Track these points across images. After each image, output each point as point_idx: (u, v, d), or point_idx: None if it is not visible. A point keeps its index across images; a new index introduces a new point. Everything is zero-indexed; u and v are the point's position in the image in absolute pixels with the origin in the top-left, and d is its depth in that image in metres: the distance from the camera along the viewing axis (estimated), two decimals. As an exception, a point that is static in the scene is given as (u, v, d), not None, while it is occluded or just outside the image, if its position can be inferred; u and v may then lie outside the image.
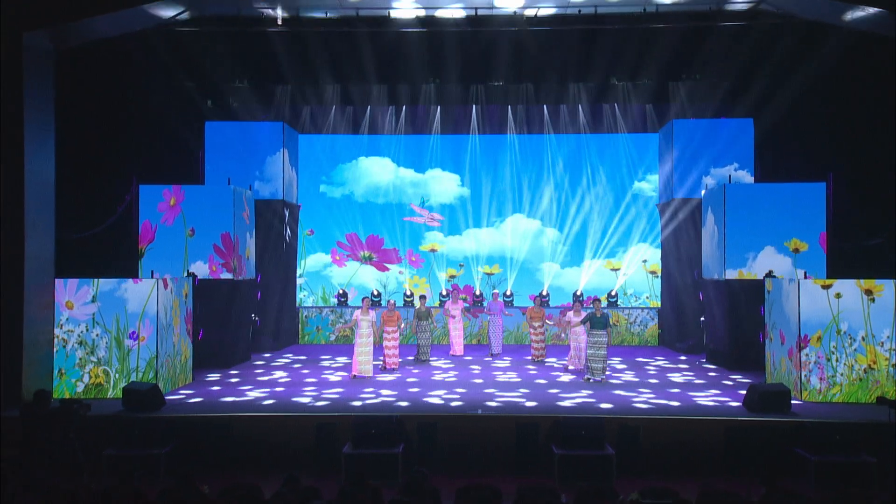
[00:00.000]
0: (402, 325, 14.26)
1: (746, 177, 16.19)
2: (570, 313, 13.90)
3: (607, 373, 13.05)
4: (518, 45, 15.25)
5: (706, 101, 16.82)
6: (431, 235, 18.74)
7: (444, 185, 18.84)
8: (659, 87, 16.93)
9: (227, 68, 16.20)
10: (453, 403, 10.89)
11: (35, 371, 11.08)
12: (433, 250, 18.69)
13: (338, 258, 18.70)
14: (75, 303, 11.51)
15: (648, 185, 18.43)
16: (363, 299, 13.73)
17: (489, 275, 18.59)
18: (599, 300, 13.53)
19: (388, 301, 14.58)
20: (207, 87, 16.63)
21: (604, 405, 10.80)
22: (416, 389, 12.01)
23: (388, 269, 18.72)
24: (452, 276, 18.60)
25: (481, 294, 18.33)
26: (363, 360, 13.09)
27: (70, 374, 11.38)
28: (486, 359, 15.54)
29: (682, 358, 15.96)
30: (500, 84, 17.12)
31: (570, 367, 13.85)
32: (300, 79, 16.56)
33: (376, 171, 18.89)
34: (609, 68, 16.21)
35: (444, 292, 18.33)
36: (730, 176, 15.59)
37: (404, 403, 10.91)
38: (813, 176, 14.43)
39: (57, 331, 11.43)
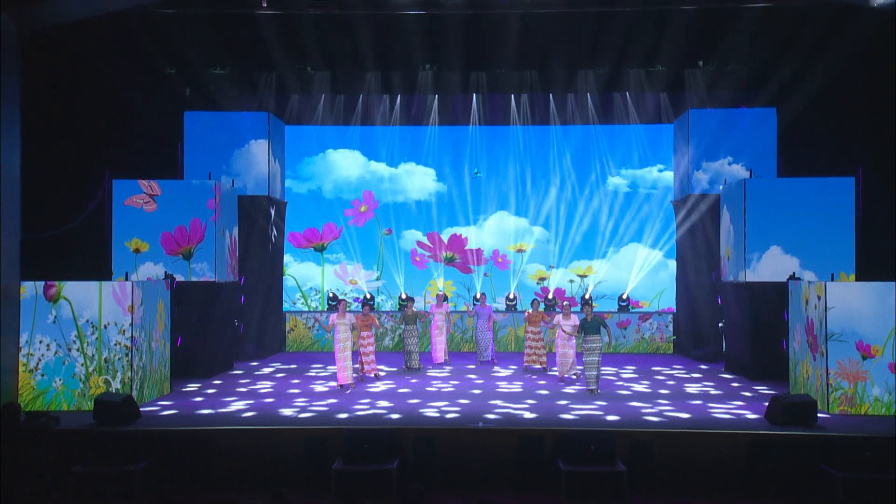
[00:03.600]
0: (377, 326, 14.13)
1: (742, 171, 16.24)
2: (559, 317, 13.92)
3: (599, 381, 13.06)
4: (522, 29, 15.26)
5: (725, 90, 16.83)
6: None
7: (418, 180, 18.82)
8: (674, 74, 16.95)
9: (208, 53, 16.19)
10: (452, 416, 10.88)
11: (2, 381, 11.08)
12: (521, 250, 18.66)
13: (418, 259, 18.72)
14: (136, 307, 11.68)
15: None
16: (339, 302, 13.73)
17: (582, 276, 18.55)
18: (590, 303, 13.47)
19: (364, 305, 14.57)
20: (186, 74, 16.62)
21: (614, 418, 10.78)
22: (411, 400, 11.99)
23: (472, 270, 18.73)
24: (542, 279, 18.54)
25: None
26: (344, 365, 13.11)
27: (69, 385, 11.36)
28: (471, 366, 15.60)
29: (700, 367, 15.98)
30: (500, 71, 17.15)
31: (560, 376, 13.87)
32: (287, 65, 16.56)
33: (345, 165, 18.85)
34: (620, 54, 16.21)
35: (443, 296, 18.31)
36: (750, 171, 15.56)
37: (399, 416, 10.89)
38: (841, 170, 14.43)
39: (119, 337, 11.51)
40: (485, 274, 18.63)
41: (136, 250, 14.17)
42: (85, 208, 15.16)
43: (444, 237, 18.75)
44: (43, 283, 11.37)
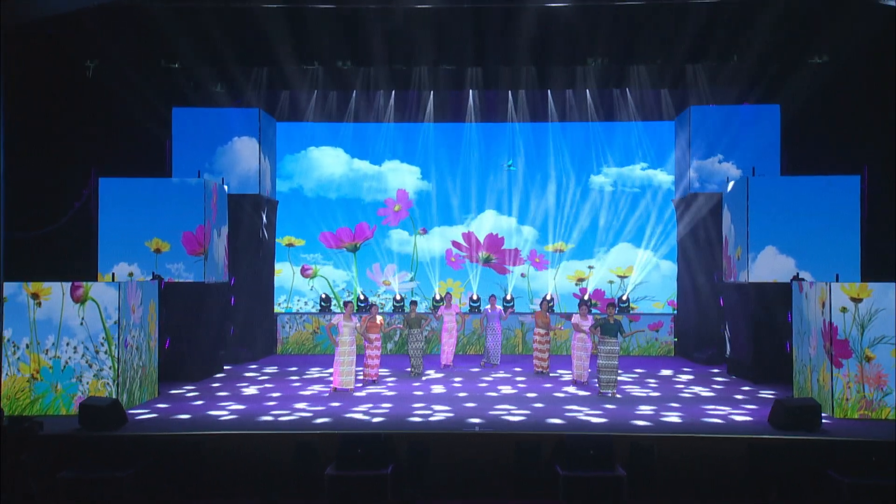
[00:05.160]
0: (387, 330, 14.16)
1: (732, 169, 16.30)
2: (576, 316, 13.91)
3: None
4: (519, 24, 15.26)
5: (728, 86, 16.85)
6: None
7: (402, 178, 18.81)
8: (676, 70, 16.96)
9: (197, 48, 16.14)
10: (447, 420, 10.90)
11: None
12: (559, 251, 18.65)
13: (453, 260, 18.72)
14: (136, 307, 11.93)
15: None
16: (345, 304, 13.71)
17: (622, 277, 18.53)
18: (613, 305, 13.48)
19: (372, 306, 14.58)
20: (174, 69, 16.58)
21: (614, 422, 10.81)
22: (406, 404, 12.01)
23: (509, 271, 18.72)
24: (581, 280, 18.54)
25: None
26: (345, 370, 13.09)
27: (67, 389, 11.33)
28: (480, 367, 15.58)
29: (701, 369, 16.03)
30: (498, 67, 17.16)
31: (576, 379, 13.89)
32: (278, 61, 16.52)
33: (328, 163, 18.87)
34: (621, 49, 16.19)
35: (438, 297, 18.35)
36: (753, 169, 15.60)
37: (394, 420, 10.91)
38: (846, 168, 14.47)
39: (128, 338, 11.71)
40: (521, 274, 18.65)
41: (157, 250, 14.23)
42: (71, 207, 15.13)
43: (429, 238, 18.78)
44: (70, 283, 11.37)
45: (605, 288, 18.54)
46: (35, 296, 11.25)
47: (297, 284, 18.80)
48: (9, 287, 11.21)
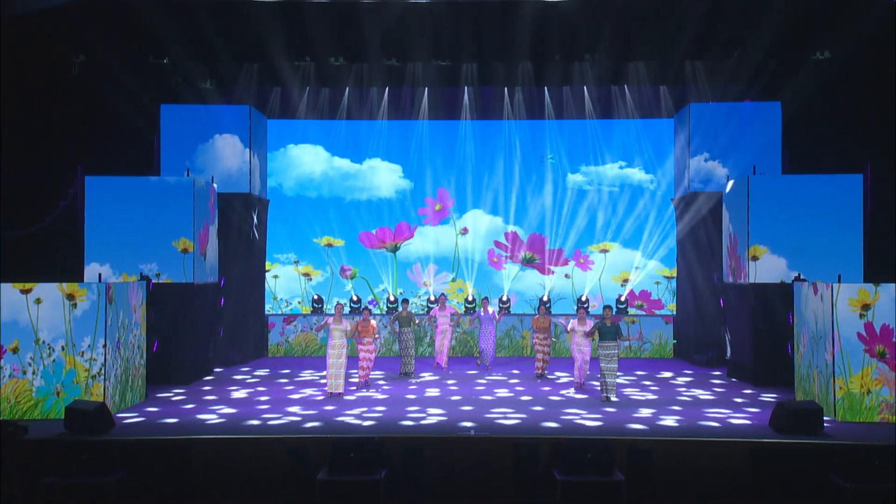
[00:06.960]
0: (378, 337, 14.06)
1: (719, 168, 16.33)
2: (574, 321, 13.89)
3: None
4: (516, 19, 15.25)
5: (728, 83, 16.85)
6: None
7: (383, 176, 18.78)
8: (675, 67, 16.96)
9: (187, 44, 16.10)
10: (442, 423, 10.87)
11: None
12: (605, 251, 18.61)
13: (495, 260, 18.69)
14: (138, 307, 12.05)
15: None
16: (336, 306, 13.65)
17: (669, 279, 18.42)
18: (610, 308, 13.46)
19: (364, 309, 14.51)
20: (164, 65, 16.53)
21: (612, 425, 10.80)
22: (400, 407, 11.99)
23: (552, 272, 18.67)
24: (626, 281, 18.50)
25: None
26: (333, 373, 13.02)
27: (69, 391, 11.26)
28: (474, 371, 15.53)
29: (701, 372, 16.03)
30: (496, 63, 17.14)
31: (576, 383, 13.88)
32: (269, 57, 16.49)
33: (307, 161, 18.83)
34: (619, 45, 16.19)
35: (432, 297, 18.34)
36: (754, 167, 15.61)
37: (387, 423, 10.89)
38: (848, 167, 14.49)
39: (131, 337, 11.83)
40: (565, 275, 18.61)
41: (184, 250, 14.24)
42: (56, 206, 15.09)
43: (414, 238, 18.73)
44: (104, 284, 11.36)
45: (652, 289, 18.48)
46: (71, 297, 11.22)
47: (336, 286, 18.71)
48: (43, 288, 11.19)
